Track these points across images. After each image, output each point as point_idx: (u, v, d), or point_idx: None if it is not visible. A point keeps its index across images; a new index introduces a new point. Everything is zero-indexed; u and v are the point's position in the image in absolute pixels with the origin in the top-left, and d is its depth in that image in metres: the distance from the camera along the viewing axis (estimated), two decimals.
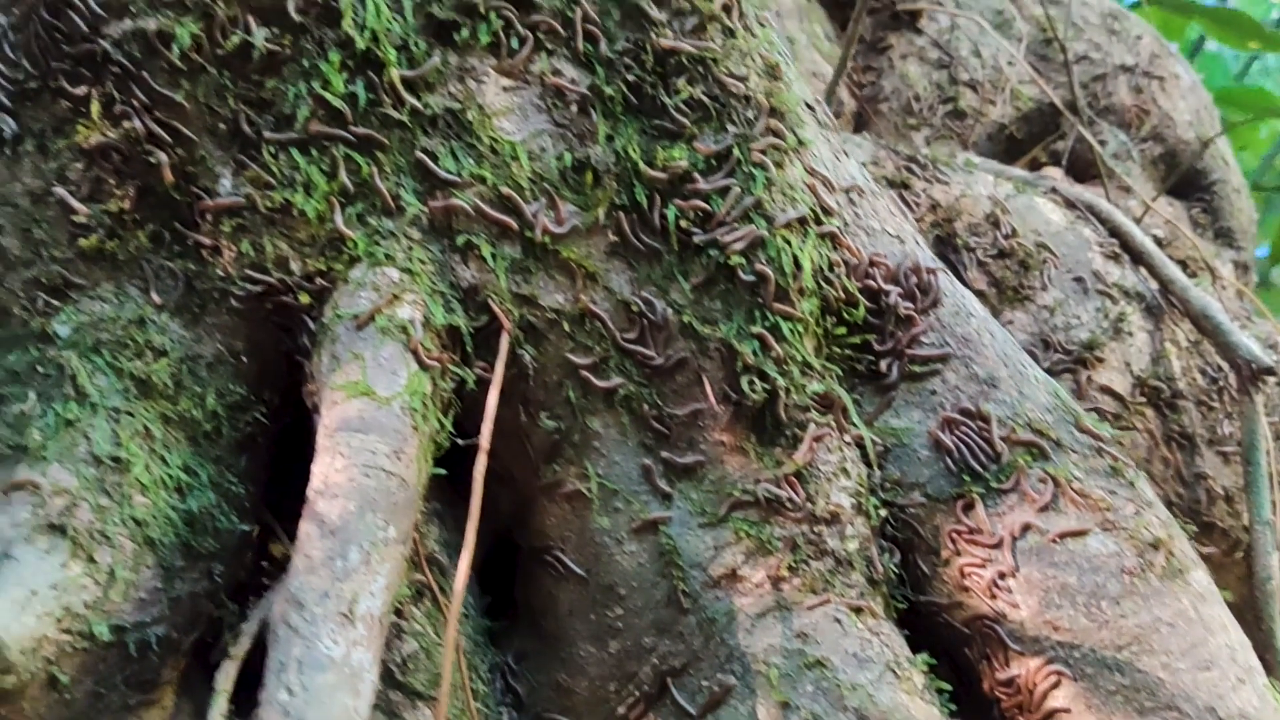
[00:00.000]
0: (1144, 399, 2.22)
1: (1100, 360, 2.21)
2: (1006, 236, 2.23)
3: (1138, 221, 2.51)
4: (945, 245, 2.21)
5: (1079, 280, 2.25)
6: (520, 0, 1.41)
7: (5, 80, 1.36)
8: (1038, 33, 2.94)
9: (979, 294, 2.17)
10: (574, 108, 1.43)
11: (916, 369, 1.54)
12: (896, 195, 2.19)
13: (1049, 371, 2.04)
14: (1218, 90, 3.52)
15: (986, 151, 2.77)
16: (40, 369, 1.35)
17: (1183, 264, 2.53)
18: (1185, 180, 2.95)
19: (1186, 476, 2.24)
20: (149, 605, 1.32)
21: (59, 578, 1.25)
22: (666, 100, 1.42)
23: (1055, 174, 2.80)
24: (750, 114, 1.45)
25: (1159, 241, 2.50)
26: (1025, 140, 2.80)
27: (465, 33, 1.40)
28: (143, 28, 1.32)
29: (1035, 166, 2.80)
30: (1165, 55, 3.02)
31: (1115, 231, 2.34)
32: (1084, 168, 2.84)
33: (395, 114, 1.37)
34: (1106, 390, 2.19)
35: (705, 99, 1.44)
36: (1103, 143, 2.82)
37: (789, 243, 1.44)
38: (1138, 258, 2.30)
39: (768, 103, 1.46)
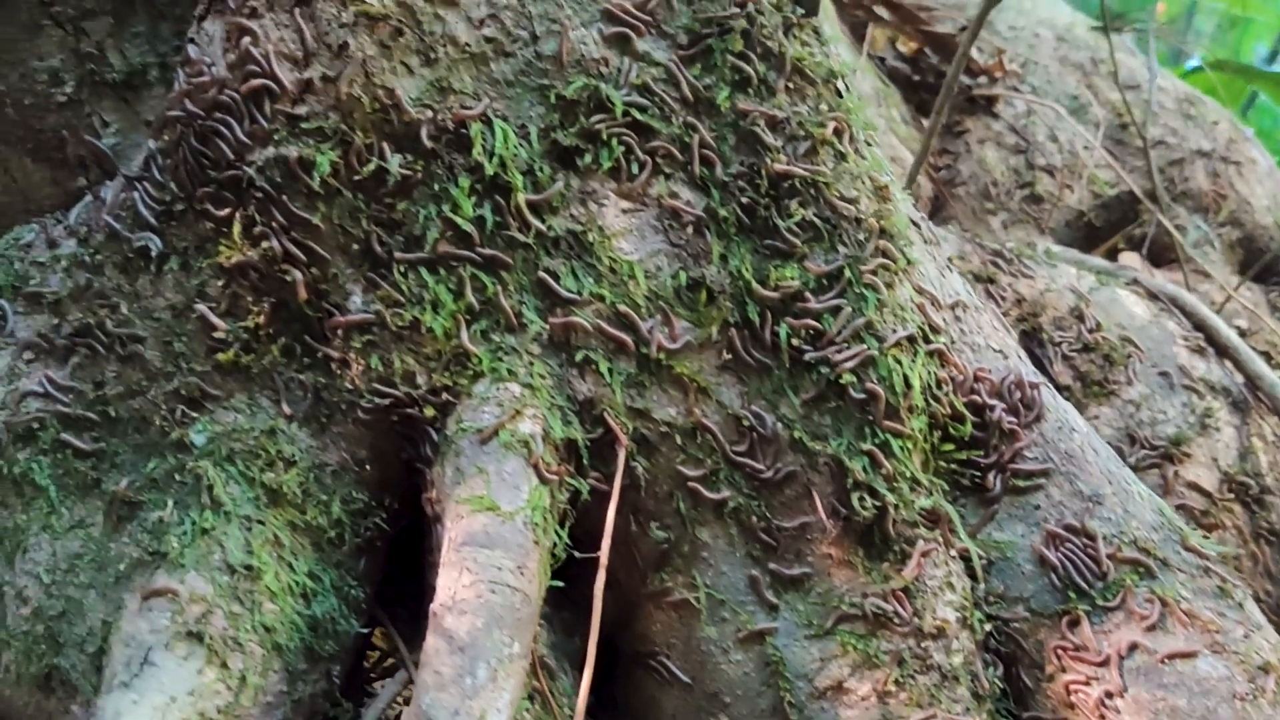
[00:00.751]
0: (1231, 495, 2.22)
1: (1187, 456, 2.21)
2: (1091, 330, 2.25)
3: (1218, 309, 2.52)
4: (1031, 340, 2.23)
5: (1164, 375, 2.26)
6: (640, 126, 1.46)
7: (153, 200, 1.43)
8: (1114, 118, 2.96)
9: (1064, 389, 2.19)
10: (689, 229, 1.47)
11: (1020, 483, 1.55)
12: (983, 290, 2.21)
13: (1135, 468, 2.05)
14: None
15: (1065, 238, 2.79)
16: (178, 477, 1.41)
17: (1265, 353, 2.53)
18: (1264, 265, 2.95)
19: (1275, 573, 2.23)
20: (274, 709, 1.37)
21: (195, 684, 1.29)
22: (779, 222, 1.47)
23: (1134, 259, 2.81)
24: (861, 236, 1.49)
25: (1241, 332, 2.50)
26: (1104, 228, 2.82)
27: (588, 158, 1.45)
28: (285, 155, 1.39)
29: (1113, 250, 2.81)
30: (1241, 140, 3.03)
31: (1200, 325, 2.35)
32: (1162, 250, 2.85)
33: (520, 236, 1.43)
34: (1194, 486, 2.19)
35: (817, 220, 1.48)
36: (1181, 229, 2.83)
37: (899, 361, 1.47)
38: (1223, 352, 2.31)
39: (877, 224, 1.50)
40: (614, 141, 1.45)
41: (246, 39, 1.39)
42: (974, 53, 3.12)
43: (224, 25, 1.41)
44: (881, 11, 3.08)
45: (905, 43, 3.14)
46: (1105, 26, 3.08)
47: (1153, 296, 2.40)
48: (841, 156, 1.51)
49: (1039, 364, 2.22)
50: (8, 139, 1.57)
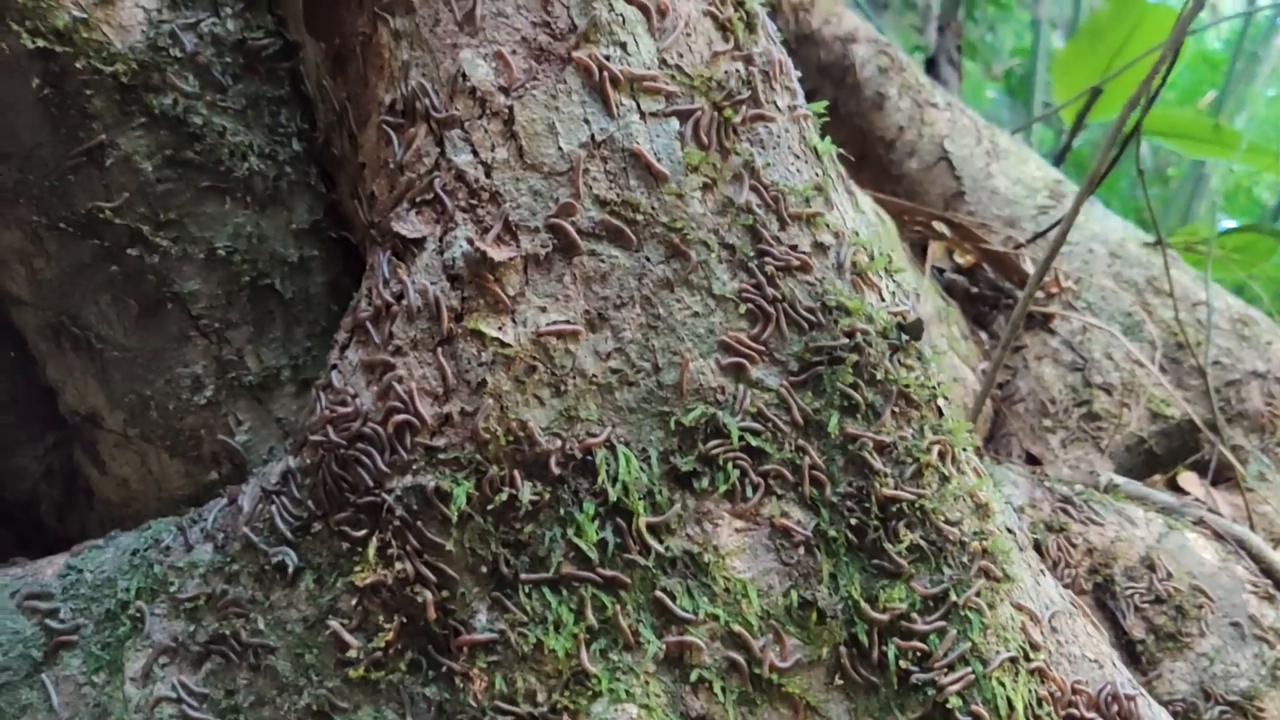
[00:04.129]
0: None
1: (1261, 711, 2.22)
2: (1162, 580, 2.28)
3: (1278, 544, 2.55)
4: (1104, 592, 2.26)
5: (1235, 625, 2.28)
6: (754, 450, 1.53)
7: (290, 516, 1.51)
8: (1169, 336, 3.04)
9: (1138, 643, 2.22)
10: (801, 549, 1.53)
11: None
12: (1055, 541, 2.26)
13: None
14: None
15: (1125, 463, 2.85)
16: None
17: None
18: None
19: None
20: None
21: None
22: (888, 545, 1.53)
23: (1194, 480, 2.86)
24: (965, 559, 1.55)
25: None
26: (1164, 456, 2.87)
27: (705, 481, 1.52)
28: (422, 484, 1.46)
29: (1173, 477, 2.86)
30: None
31: (1268, 570, 2.38)
32: (1221, 469, 2.90)
33: (640, 558, 1.49)
34: None
35: (923, 543, 1.54)
36: (1240, 451, 2.88)
37: (1002, 684, 1.52)
38: None
39: (980, 546, 1.56)
40: (729, 466, 1.52)
41: (391, 375, 1.47)
42: (1029, 266, 3.22)
43: (368, 357, 1.50)
44: (941, 228, 3.19)
45: (963, 255, 3.25)
46: (1160, 242, 3.19)
47: (1219, 537, 2.44)
48: (945, 478, 1.57)
49: (1112, 618, 2.25)
50: (149, 436, 1.65)
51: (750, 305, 1.55)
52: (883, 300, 1.63)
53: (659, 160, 1.52)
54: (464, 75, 1.50)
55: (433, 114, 1.51)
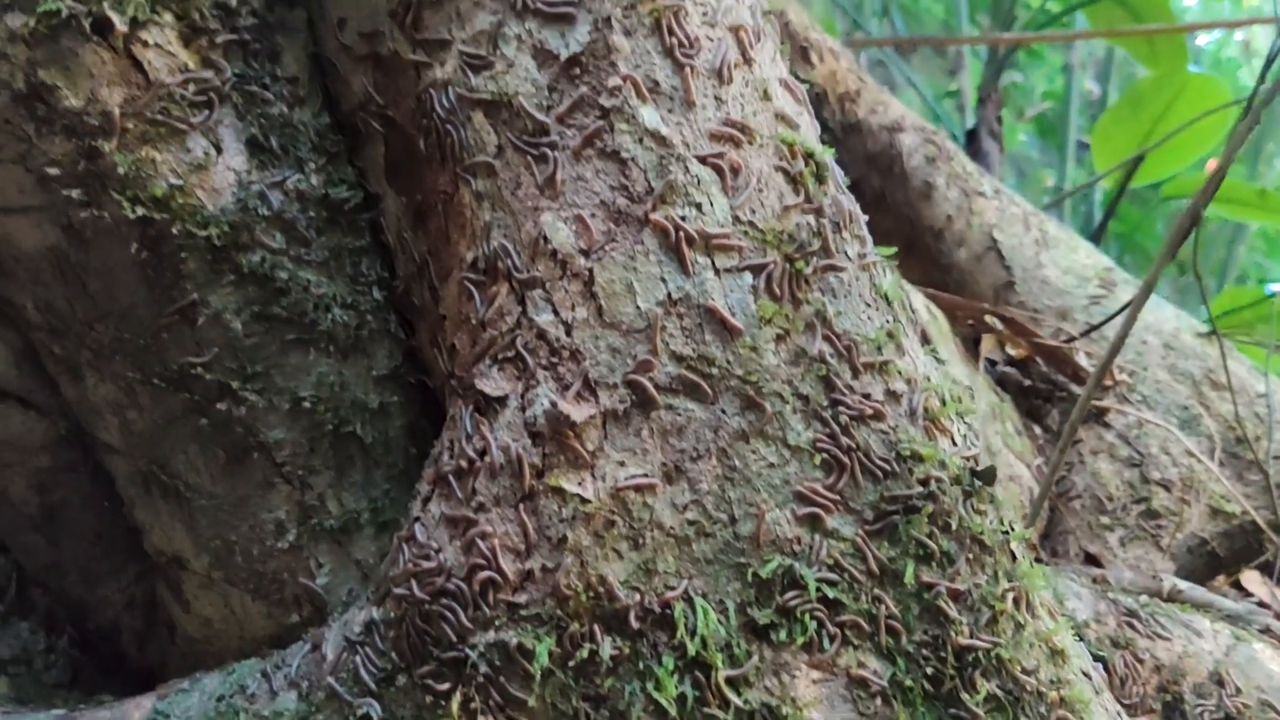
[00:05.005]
0: None
1: None
2: (1231, 696, 2.26)
3: None
4: (1173, 711, 2.24)
5: None
6: (831, 601, 1.55)
7: (374, 667, 1.53)
8: (1227, 431, 3.02)
9: None
10: (877, 699, 1.54)
11: None
12: (1121, 658, 2.24)
13: None
14: None
15: (1187, 564, 2.82)
16: None
17: None
18: None
19: None
20: None
21: None
22: (964, 695, 1.53)
23: (1257, 580, 2.84)
24: (1043, 709, 1.55)
25: None
26: (1227, 557, 2.85)
27: (783, 633, 1.54)
28: (505, 641, 1.49)
29: (1237, 579, 2.84)
30: None
31: None
32: None
33: (719, 712, 1.50)
34: None
35: (1000, 693, 1.54)
36: None
37: None
38: None
39: (1058, 695, 1.56)
40: (806, 617, 1.54)
41: (474, 531, 1.50)
42: (1083, 360, 3.22)
43: (451, 512, 1.53)
44: (993, 322, 3.20)
45: (1015, 348, 3.25)
46: (1215, 332, 3.18)
47: None
48: (1020, 625, 1.58)
49: None
50: (232, 579, 1.69)
51: (825, 455, 1.57)
52: (954, 445, 1.65)
53: (733, 315, 1.55)
54: (545, 238, 1.54)
55: (515, 274, 1.55)
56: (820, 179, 1.65)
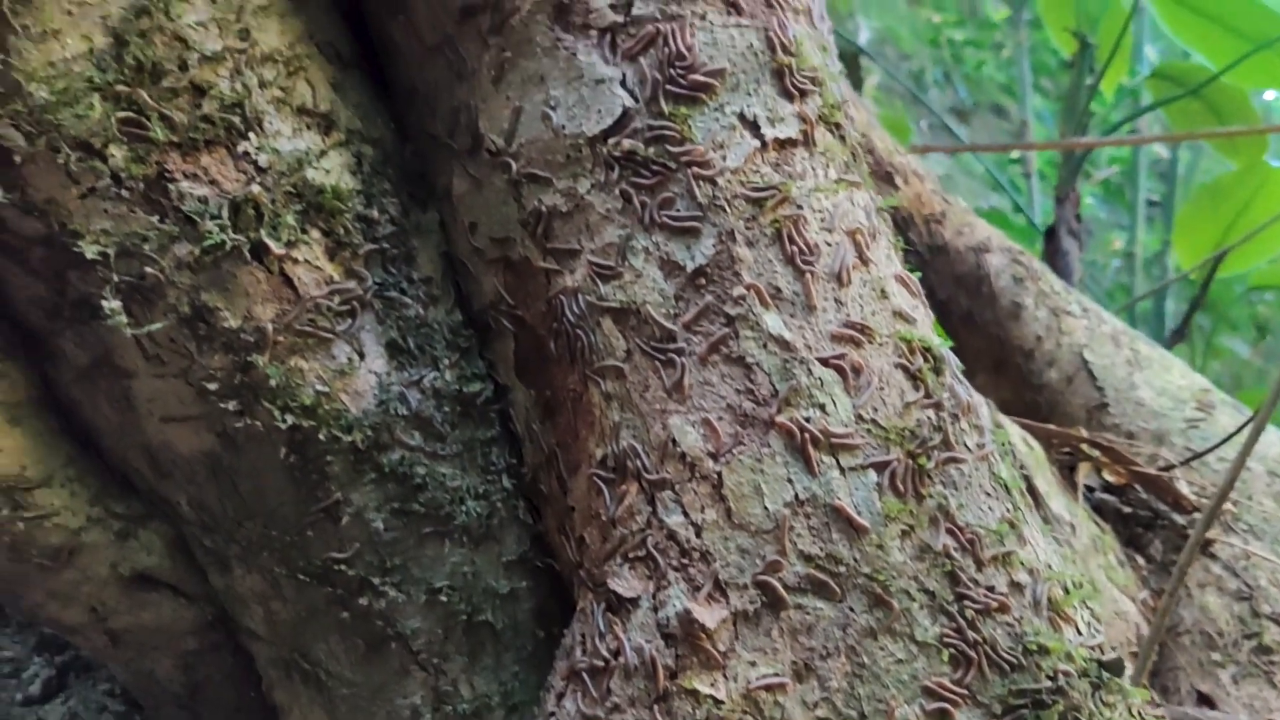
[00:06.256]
0: None
1: None
2: None
3: None
4: None
5: None
6: None
7: None
8: None
9: None
10: None
11: None
12: None
13: None
14: None
15: None
16: None
17: None
18: None
19: None
20: None
21: None
22: None
23: None
24: None
25: None
26: None
27: None
28: None
29: None
30: None
31: None
32: None
33: None
34: None
35: None
36: None
37: None
38: None
39: None
40: None
41: None
42: (1184, 488, 3.19)
43: (587, 711, 1.57)
44: (1089, 450, 3.19)
45: (1113, 474, 3.23)
46: None
47: None
48: None
49: None
50: None
51: (952, 650, 1.59)
52: (1079, 634, 1.66)
53: (859, 513, 1.59)
54: (674, 440, 1.60)
55: (645, 474, 1.61)
56: (938, 371, 1.69)
